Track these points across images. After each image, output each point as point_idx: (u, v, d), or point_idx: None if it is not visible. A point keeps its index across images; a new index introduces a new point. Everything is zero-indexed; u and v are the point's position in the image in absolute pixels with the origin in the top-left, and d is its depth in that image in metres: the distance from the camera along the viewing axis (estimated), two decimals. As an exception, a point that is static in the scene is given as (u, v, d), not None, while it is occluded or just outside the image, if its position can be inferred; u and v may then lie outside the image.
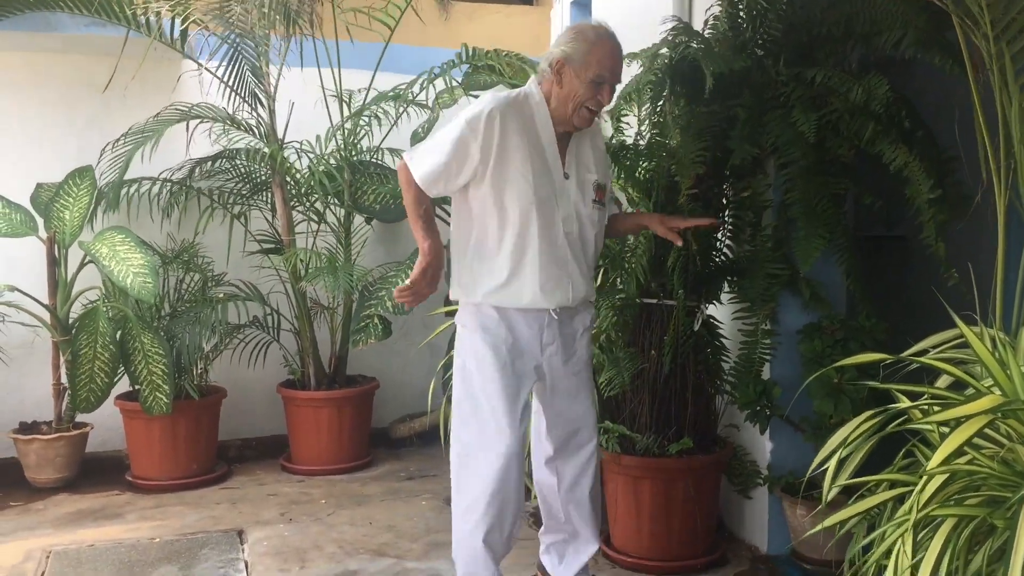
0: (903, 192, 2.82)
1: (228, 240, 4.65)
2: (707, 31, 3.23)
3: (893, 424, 2.13)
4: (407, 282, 2.60)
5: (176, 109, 4.41)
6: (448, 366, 3.91)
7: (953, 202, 2.82)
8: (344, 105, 4.66)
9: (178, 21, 4.20)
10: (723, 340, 3.38)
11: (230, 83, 4.40)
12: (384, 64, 4.63)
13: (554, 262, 2.65)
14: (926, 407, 2.08)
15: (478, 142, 2.55)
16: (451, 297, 2.78)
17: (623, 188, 3.43)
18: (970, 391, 1.95)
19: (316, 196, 4.63)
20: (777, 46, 3.14)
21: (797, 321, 3.26)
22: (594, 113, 2.65)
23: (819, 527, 2.18)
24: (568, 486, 2.88)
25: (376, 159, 4.81)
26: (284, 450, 4.77)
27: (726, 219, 3.31)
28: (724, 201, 3.29)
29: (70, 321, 4.37)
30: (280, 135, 4.59)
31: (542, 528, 3.00)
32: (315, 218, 4.78)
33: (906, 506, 1.91)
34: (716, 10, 3.23)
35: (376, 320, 4.34)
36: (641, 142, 3.31)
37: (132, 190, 4.56)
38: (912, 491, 1.93)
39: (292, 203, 4.65)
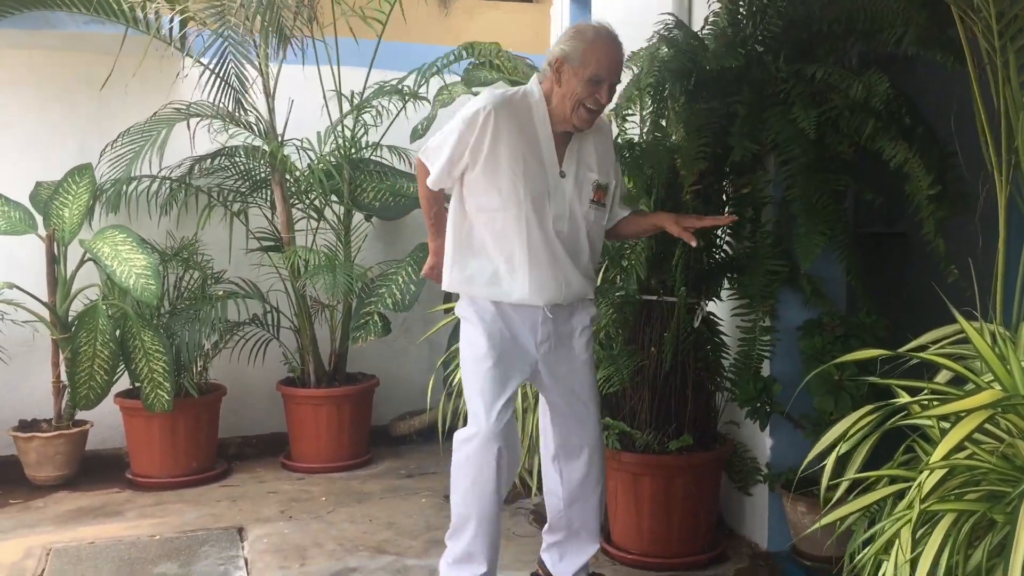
0: (903, 188, 2.81)
1: (228, 238, 4.65)
2: (707, 28, 3.23)
3: (893, 420, 2.12)
4: (423, 273, 2.93)
5: (175, 107, 4.41)
6: (448, 363, 3.92)
7: (953, 198, 2.81)
8: (344, 102, 4.66)
9: (177, 19, 4.19)
10: (723, 337, 3.38)
11: (228, 80, 4.39)
12: (384, 62, 4.63)
13: (545, 260, 2.67)
14: (926, 402, 2.08)
15: (472, 138, 2.61)
16: (448, 289, 2.82)
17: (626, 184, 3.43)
18: (970, 386, 1.95)
19: (315, 193, 4.63)
20: (777, 42, 3.13)
21: (797, 318, 3.26)
22: (592, 112, 2.66)
23: (819, 524, 2.17)
24: (570, 486, 2.88)
25: (376, 155, 4.81)
26: (284, 448, 4.77)
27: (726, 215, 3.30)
28: (724, 197, 3.29)
29: (69, 319, 4.37)
30: (280, 132, 4.59)
31: (546, 526, 3.00)
32: (315, 216, 4.78)
33: (905, 501, 1.91)
34: (716, 6, 3.23)
35: (376, 317, 4.34)
36: (641, 140, 3.30)
37: (131, 188, 4.56)
38: (912, 487, 1.93)
39: (292, 200, 4.65)
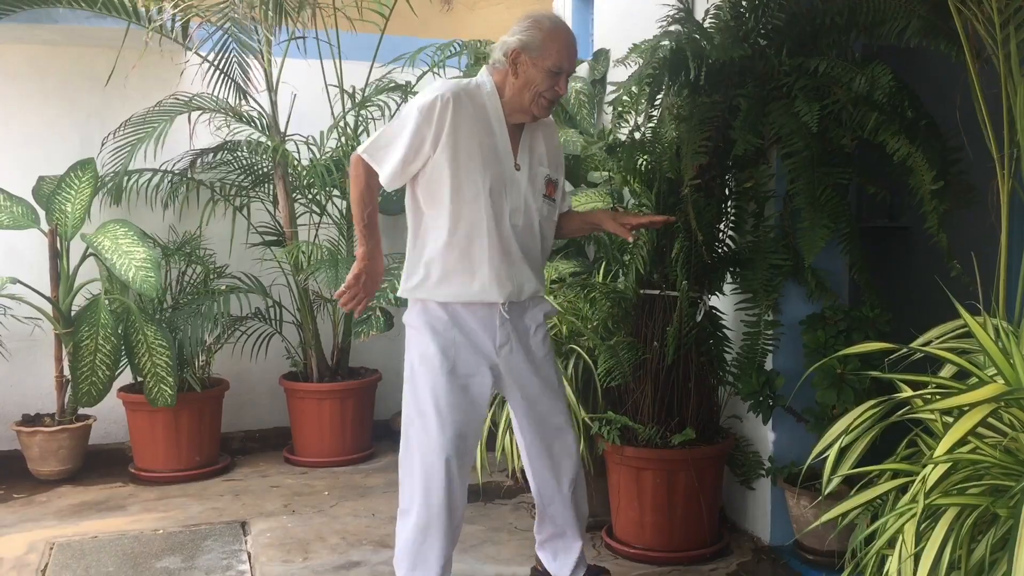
0: (906, 182, 2.81)
1: (230, 232, 4.65)
2: (709, 21, 3.21)
3: (899, 414, 2.12)
4: (343, 287, 2.60)
5: (177, 100, 4.41)
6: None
7: (956, 192, 2.81)
8: (347, 96, 4.66)
9: (179, 13, 4.19)
10: (726, 331, 3.37)
11: (230, 73, 4.39)
12: (386, 56, 4.62)
13: (502, 254, 2.61)
14: (929, 396, 2.08)
15: (431, 129, 2.52)
16: (399, 294, 2.72)
17: (625, 182, 3.42)
18: (973, 380, 1.95)
19: (318, 188, 4.62)
20: (780, 35, 3.12)
21: (800, 312, 3.26)
22: (551, 103, 2.62)
23: (822, 519, 2.17)
24: (547, 485, 2.85)
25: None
26: (287, 442, 4.78)
27: (729, 210, 3.30)
28: (727, 191, 3.28)
29: (72, 314, 4.37)
30: (282, 127, 4.58)
31: (535, 523, 2.99)
32: (317, 210, 4.78)
33: (909, 495, 1.90)
34: (717, 0, 3.22)
35: (378, 312, 4.34)
36: (638, 135, 3.30)
37: (133, 182, 4.56)
38: (914, 481, 1.92)
39: (294, 195, 4.65)
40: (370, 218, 2.62)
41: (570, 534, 2.90)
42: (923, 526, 1.81)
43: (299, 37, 4.41)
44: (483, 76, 2.65)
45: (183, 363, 4.34)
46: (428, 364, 2.62)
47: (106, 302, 4.24)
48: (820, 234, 2.95)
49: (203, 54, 4.37)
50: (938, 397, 1.95)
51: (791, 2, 3.10)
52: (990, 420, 1.88)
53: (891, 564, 1.84)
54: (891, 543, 1.89)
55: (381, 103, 4.65)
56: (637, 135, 3.30)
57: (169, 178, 4.64)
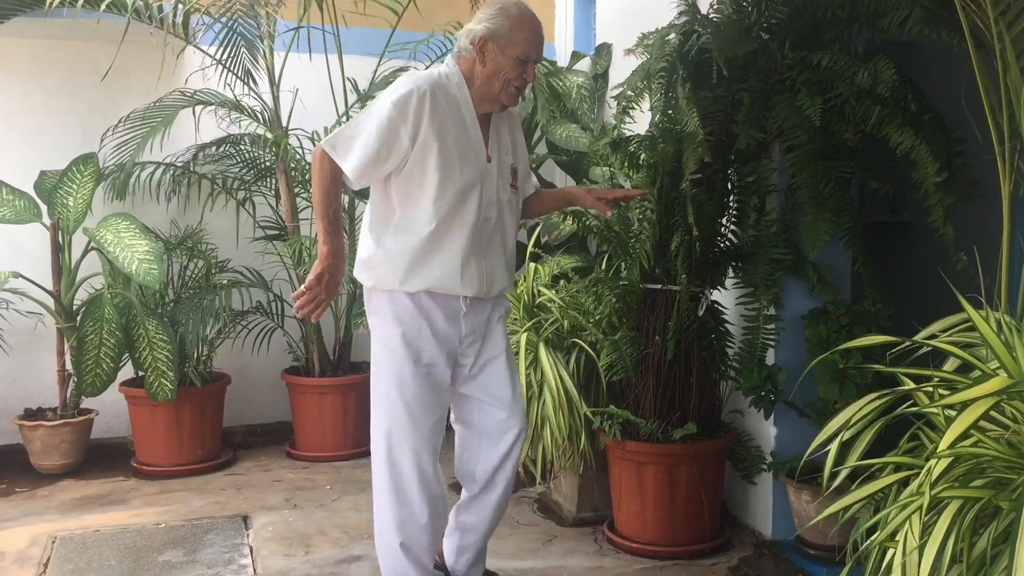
0: (909, 177, 2.80)
1: (234, 226, 4.66)
2: (712, 15, 3.21)
3: (901, 408, 2.12)
4: (302, 287, 2.51)
5: (180, 94, 4.41)
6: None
7: (960, 185, 2.80)
8: (350, 91, 4.65)
9: (181, 7, 4.18)
10: (727, 325, 3.37)
11: (231, 68, 4.38)
12: (389, 51, 4.62)
13: (477, 248, 2.57)
14: (931, 390, 2.07)
15: (407, 125, 2.44)
16: (355, 276, 2.66)
17: (627, 177, 3.41)
18: (976, 374, 1.94)
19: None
20: (782, 29, 3.12)
21: (801, 306, 3.26)
22: (520, 90, 2.59)
23: (824, 513, 2.17)
24: (486, 474, 2.76)
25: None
26: (289, 436, 4.78)
27: (731, 204, 3.30)
28: (729, 186, 3.28)
29: (74, 308, 4.37)
30: (284, 121, 4.58)
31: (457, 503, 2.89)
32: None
33: (911, 488, 1.90)
34: (721, -7, 3.21)
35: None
36: (646, 130, 3.29)
37: (135, 175, 4.56)
38: (916, 474, 1.92)
39: (296, 189, 4.65)
40: (335, 215, 2.52)
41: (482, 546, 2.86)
42: (926, 519, 1.81)
43: (298, 27, 4.41)
44: (449, 66, 2.59)
45: (185, 357, 4.34)
46: (393, 353, 2.58)
47: (109, 296, 4.24)
48: (823, 228, 2.95)
49: (204, 48, 4.36)
50: (941, 391, 1.95)
51: (794, -5, 3.10)
52: (992, 413, 1.88)
53: (894, 557, 1.84)
54: (893, 536, 1.89)
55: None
56: (653, 129, 3.27)
57: (171, 172, 4.64)
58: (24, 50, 4.59)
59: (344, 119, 4.61)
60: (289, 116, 4.60)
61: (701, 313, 3.26)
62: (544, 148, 4.89)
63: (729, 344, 3.36)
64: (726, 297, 3.38)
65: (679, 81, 3.00)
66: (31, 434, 4.30)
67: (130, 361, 4.27)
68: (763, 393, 3.19)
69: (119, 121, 4.35)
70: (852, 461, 2.25)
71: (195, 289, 4.51)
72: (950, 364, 2.24)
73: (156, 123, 4.28)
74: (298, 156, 4.56)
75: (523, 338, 3.47)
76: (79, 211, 4.34)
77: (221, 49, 4.29)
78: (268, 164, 4.72)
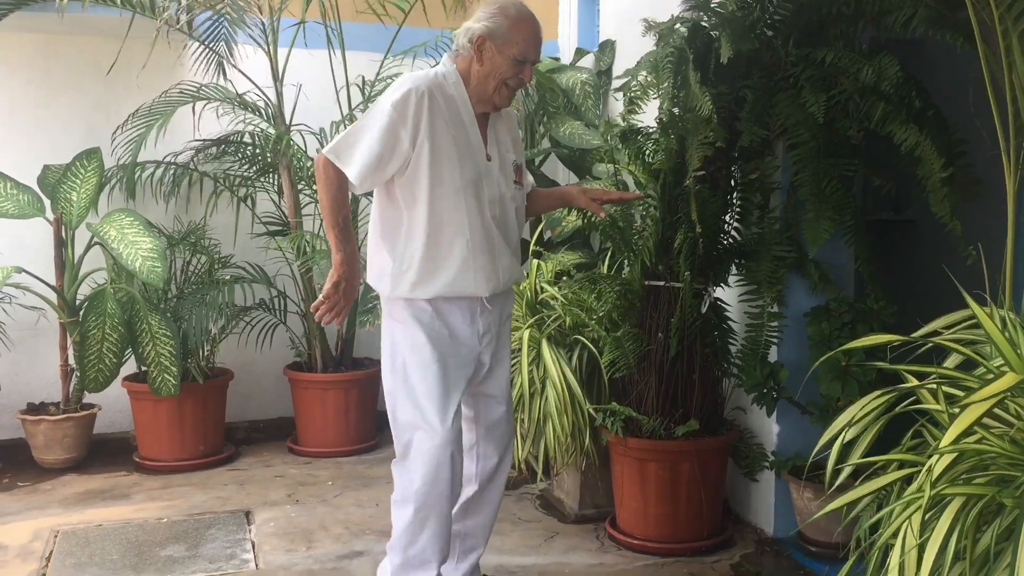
0: (913, 174, 2.80)
1: (235, 222, 4.66)
2: (716, 10, 3.20)
3: (903, 405, 2.12)
4: (320, 297, 2.52)
5: (183, 90, 4.40)
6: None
7: (963, 182, 2.80)
8: (356, 88, 4.65)
9: (184, 1, 4.19)
10: (730, 323, 3.37)
11: (234, 64, 4.38)
12: (400, 49, 4.62)
13: (485, 248, 2.57)
14: (934, 387, 2.07)
15: (407, 126, 2.45)
16: (372, 284, 2.66)
17: (632, 172, 3.41)
18: (980, 371, 1.94)
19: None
20: (786, 26, 3.12)
21: (804, 304, 3.25)
22: (513, 91, 2.59)
23: (826, 510, 2.16)
24: (490, 467, 2.80)
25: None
26: (291, 432, 4.78)
27: (734, 201, 3.29)
28: (732, 183, 3.28)
29: (76, 303, 4.37)
30: (288, 117, 4.58)
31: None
32: (322, 200, 4.76)
33: (914, 485, 1.90)
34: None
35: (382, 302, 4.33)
36: (655, 117, 3.26)
37: (138, 172, 4.55)
38: (919, 471, 1.92)
39: (299, 185, 4.65)
40: (345, 222, 2.53)
41: (480, 537, 2.88)
42: (928, 516, 1.80)
43: (301, 23, 4.40)
44: (446, 65, 2.58)
45: (188, 353, 4.35)
46: (420, 355, 2.58)
47: (112, 291, 4.24)
48: (824, 226, 2.95)
49: (208, 44, 4.36)
50: (947, 389, 1.95)
51: (797, -8, 3.09)
52: (996, 410, 1.88)
53: (896, 554, 1.84)
54: (895, 533, 1.88)
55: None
56: (663, 117, 3.24)
57: (174, 168, 4.64)
58: (27, 44, 4.59)
59: (349, 119, 4.60)
60: (292, 111, 4.60)
61: (704, 310, 3.26)
62: (547, 143, 4.88)
63: (732, 341, 3.36)
64: (729, 294, 3.38)
65: (690, 67, 2.98)
66: (34, 428, 4.31)
67: (133, 356, 4.28)
68: (765, 390, 3.19)
69: (128, 117, 4.35)
70: (855, 458, 2.25)
71: (198, 284, 4.52)
72: (951, 361, 2.24)
73: (156, 119, 4.27)
74: (301, 152, 4.56)
75: (526, 334, 3.46)
76: (82, 206, 4.34)
77: (207, 36, 4.27)
78: (271, 160, 4.71)
